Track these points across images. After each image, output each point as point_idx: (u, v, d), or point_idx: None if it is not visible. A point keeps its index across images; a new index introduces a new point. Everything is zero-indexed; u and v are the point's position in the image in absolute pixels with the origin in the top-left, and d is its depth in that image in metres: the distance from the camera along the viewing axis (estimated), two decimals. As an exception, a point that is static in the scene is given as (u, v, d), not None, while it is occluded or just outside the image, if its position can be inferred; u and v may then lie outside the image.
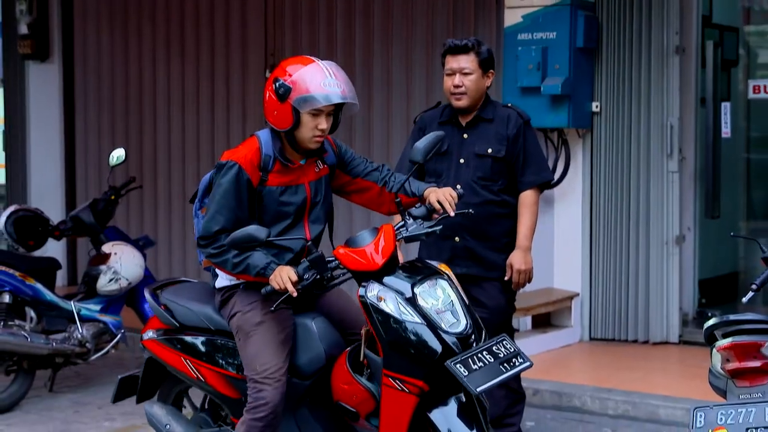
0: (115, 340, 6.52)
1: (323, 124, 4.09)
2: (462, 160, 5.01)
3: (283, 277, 3.92)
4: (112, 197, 6.80)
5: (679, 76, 7.18)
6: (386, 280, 3.97)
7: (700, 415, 3.63)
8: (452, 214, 4.14)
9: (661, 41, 7.16)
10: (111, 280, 6.41)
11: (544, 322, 7.57)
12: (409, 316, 3.87)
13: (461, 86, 4.94)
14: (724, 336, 3.83)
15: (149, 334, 4.66)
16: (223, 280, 4.26)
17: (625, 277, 7.44)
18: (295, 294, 3.93)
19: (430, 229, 4.11)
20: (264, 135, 4.23)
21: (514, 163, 5.01)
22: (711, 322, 4.00)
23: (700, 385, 4.51)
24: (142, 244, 6.94)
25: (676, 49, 7.15)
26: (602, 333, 7.53)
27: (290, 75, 4.06)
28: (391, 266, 4.00)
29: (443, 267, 4.19)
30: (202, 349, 4.40)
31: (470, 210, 4.47)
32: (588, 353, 7.35)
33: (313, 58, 4.19)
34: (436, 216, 4.18)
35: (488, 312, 4.91)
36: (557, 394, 6.24)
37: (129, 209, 9.39)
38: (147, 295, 4.66)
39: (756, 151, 8.80)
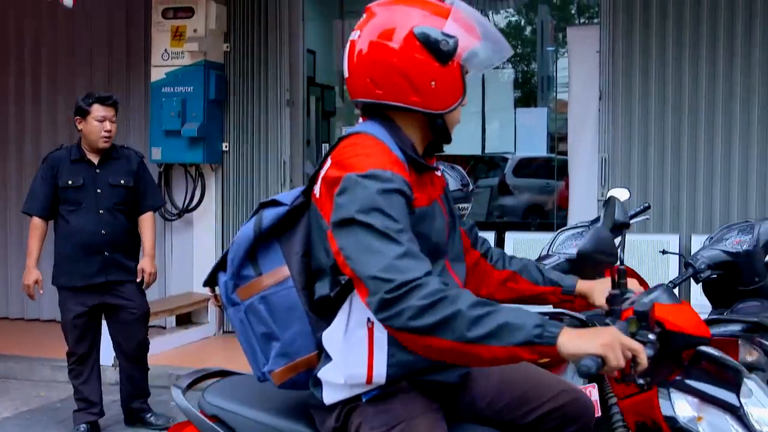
0: None
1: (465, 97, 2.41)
2: (99, 190, 5.43)
3: (626, 344, 2.07)
4: None
5: (289, 123, 8.04)
6: (692, 383, 2.55)
7: None
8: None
9: (276, 95, 8.02)
10: None
11: (185, 320, 8.03)
12: None
13: (111, 131, 5.41)
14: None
15: None
16: (334, 391, 2.35)
17: None
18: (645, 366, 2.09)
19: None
20: (374, 130, 2.33)
21: (137, 190, 5.58)
22: None
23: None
24: None
25: (287, 102, 8.02)
26: (233, 326, 8.31)
27: (441, 19, 2.31)
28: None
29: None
30: None
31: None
32: (222, 344, 7.83)
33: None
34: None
35: (137, 307, 5.57)
36: None
37: None
38: (178, 397, 2.74)
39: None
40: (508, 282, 2.66)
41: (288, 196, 2.46)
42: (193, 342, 7.92)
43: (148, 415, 5.80)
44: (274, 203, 2.45)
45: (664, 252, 4.50)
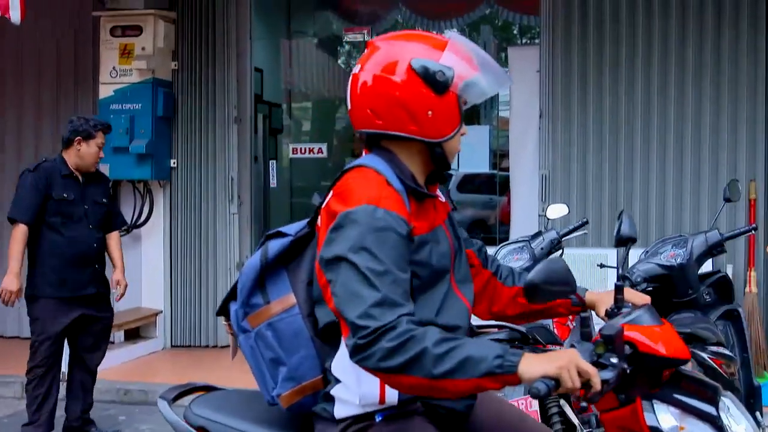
0: None
1: (464, 126, 2.50)
2: (86, 206, 5.61)
3: (582, 367, 2.17)
4: None
5: (237, 140, 8.09)
6: (674, 395, 2.60)
7: None
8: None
9: (224, 113, 8.08)
10: None
11: (134, 334, 8.02)
12: None
13: (101, 155, 5.71)
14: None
15: None
16: (347, 407, 2.39)
17: (198, 295, 8.13)
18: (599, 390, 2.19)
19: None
20: (375, 163, 2.41)
21: (110, 209, 5.85)
22: None
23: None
24: None
25: (235, 119, 8.08)
26: (181, 341, 8.17)
27: (438, 52, 2.39)
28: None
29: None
30: None
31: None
32: (170, 358, 7.84)
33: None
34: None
35: (109, 318, 5.80)
36: (144, 392, 6.71)
37: None
38: (164, 408, 2.76)
39: (297, 197, 9.80)
40: (518, 297, 2.71)
41: (293, 227, 2.55)
42: (141, 356, 7.91)
43: (93, 429, 5.83)
44: (279, 234, 2.54)
45: (601, 266, 4.62)
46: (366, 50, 2.46)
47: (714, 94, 7.20)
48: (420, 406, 2.36)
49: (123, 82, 7.87)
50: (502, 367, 2.12)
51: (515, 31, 11.78)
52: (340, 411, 2.38)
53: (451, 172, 2.58)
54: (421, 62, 2.35)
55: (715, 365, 3.63)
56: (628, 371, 2.33)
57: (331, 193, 2.39)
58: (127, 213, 8.11)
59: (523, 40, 11.36)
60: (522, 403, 3.22)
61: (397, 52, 2.39)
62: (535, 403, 3.17)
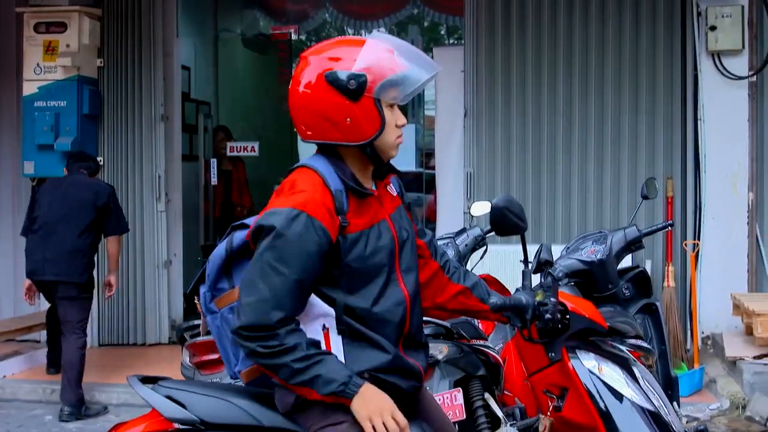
0: None
1: (401, 117, 2.61)
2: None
3: (387, 422, 2.41)
4: None
5: (164, 138, 8.00)
6: (593, 348, 3.08)
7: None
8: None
9: (150, 111, 7.97)
10: None
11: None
12: (640, 399, 3.00)
13: None
14: (191, 337, 4.26)
15: None
16: None
17: (126, 294, 8.00)
18: None
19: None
20: (318, 164, 2.55)
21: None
22: (183, 325, 4.51)
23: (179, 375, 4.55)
24: None
25: (162, 117, 7.99)
26: (109, 339, 8.06)
27: (351, 60, 2.48)
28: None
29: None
30: None
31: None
32: (98, 356, 7.63)
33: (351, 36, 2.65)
34: None
35: None
36: None
37: None
38: (136, 384, 2.81)
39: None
40: (459, 296, 2.86)
41: (253, 219, 2.64)
42: (68, 355, 7.71)
43: None
44: (243, 226, 2.68)
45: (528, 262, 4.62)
46: (298, 63, 2.57)
47: (632, 94, 7.31)
48: (368, 377, 2.49)
49: (47, 79, 7.73)
50: (344, 393, 2.39)
51: (443, 32, 11.85)
52: None
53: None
54: (334, 74, 2.47)
55: (633, 357, 3.71)
56: (559, 316, 2.84)
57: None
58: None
59: (451, 41, 11.43)
60: (447, 397, 3.23)
61: (317, 65, 2.51)
62: (460, 397, 3.23)
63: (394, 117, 2.56)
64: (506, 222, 2.89)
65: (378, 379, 2.50)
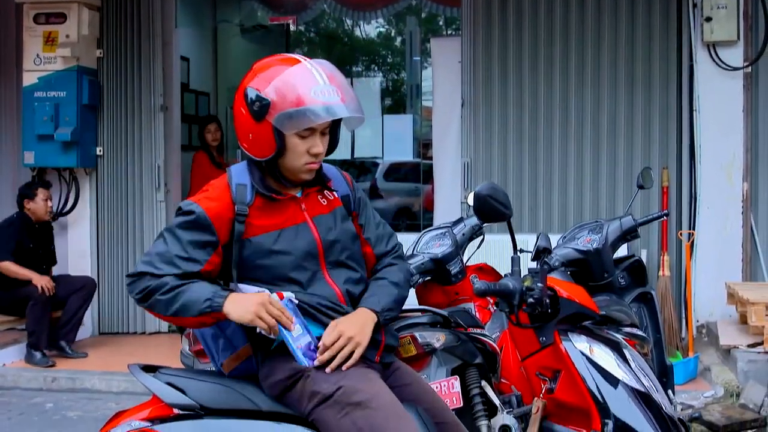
0: None
1: (318, 146, 2.67)
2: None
3: (270, 310, 2.57)
4: None
5: (163, 128, 7.98)
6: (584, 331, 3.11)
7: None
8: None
9: (150, 101, 7.95)
10: None
11: None
12: (631, 380, 3.02)
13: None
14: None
15: (133, 424, 2.74)
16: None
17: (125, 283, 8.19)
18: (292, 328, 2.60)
19: None
20: (237, 168, 2.77)
21: None
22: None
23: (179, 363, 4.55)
24: None
25: (161, 107, 7.96)
26: (109, 328, 8.07)
27: (267, 82, 2.60)
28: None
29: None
30: None
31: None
32: (98, 344, 7.68)
33: (297, 56, 2.73)
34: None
35: None
36: (71, 379, 6.69)
37: None
38: (136, 371, 2.83)
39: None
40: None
41: None
42: (69, 344, 7.68)
43: None
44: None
45: (521, 250, 4.62)
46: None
47: (628, 85, 7.29)
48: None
49: (47, 69, 7.72)
50: (211, 308, 2.55)
51: (440, 23, 11.82)
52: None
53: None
54: (250, 92, 2.63)
55: (629, 345, 3.71)
56: (548, 301, 2.89)
57: None
58: (53, 201, 7.92)
59: (448, 32, 11.40)
60: (444, 385, 3.22)
61: (249, 78, 2.69)
62: (457, 384, 3.23)
63: (306, 144, 2.65)
64: (490, 209, 2.91)
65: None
